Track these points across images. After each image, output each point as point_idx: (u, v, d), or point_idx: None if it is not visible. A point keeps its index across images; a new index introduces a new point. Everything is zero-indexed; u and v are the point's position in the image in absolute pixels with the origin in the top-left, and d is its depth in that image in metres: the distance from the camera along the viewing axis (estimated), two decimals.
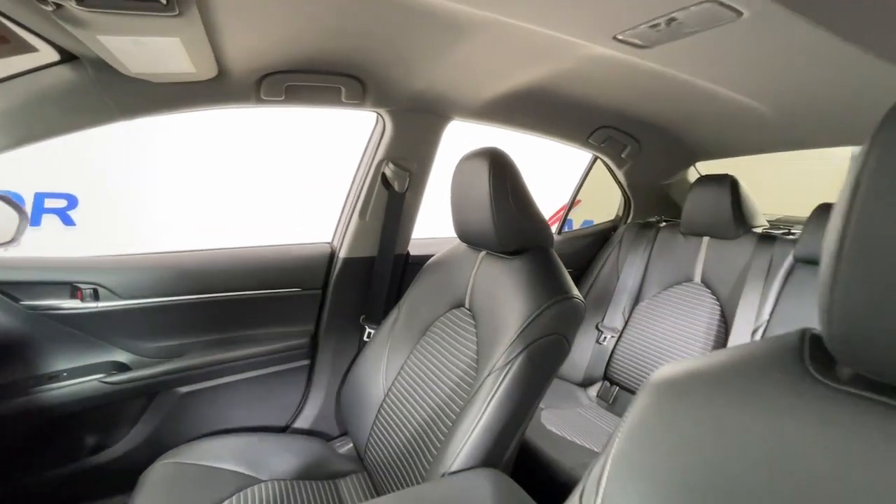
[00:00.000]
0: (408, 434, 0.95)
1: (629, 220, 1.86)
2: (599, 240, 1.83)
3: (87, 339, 1.05)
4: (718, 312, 1.41)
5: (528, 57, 0.94)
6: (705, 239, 1.51)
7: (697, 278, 1.50)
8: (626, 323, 1.63)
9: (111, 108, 0.86)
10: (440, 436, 0.88)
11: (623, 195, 1.84)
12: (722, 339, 1.36)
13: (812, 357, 0.36)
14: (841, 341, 0.31)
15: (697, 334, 1.42)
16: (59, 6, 0.52)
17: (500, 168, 0.93)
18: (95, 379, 1.04)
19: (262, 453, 1.06)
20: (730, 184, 1.41)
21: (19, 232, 1.11)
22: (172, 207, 2.84)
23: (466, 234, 1.05)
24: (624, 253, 1.72)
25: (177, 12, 0.55)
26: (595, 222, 1.99)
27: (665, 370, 0.47)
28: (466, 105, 1.18)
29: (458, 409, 0.87)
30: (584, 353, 1.65)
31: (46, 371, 1.02)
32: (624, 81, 1.09)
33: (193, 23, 0.60)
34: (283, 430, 1.28)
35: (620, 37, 0.73)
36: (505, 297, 0.91)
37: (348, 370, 1.27)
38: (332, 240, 1.33)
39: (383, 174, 1.22)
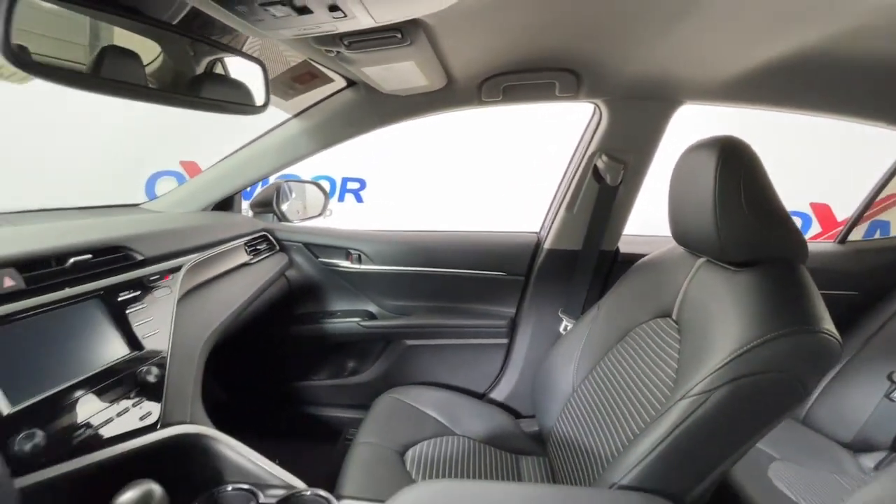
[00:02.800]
0: (590, 435, 0.93)
1: None
2: None
3: (351, 290, 1.42)
4: None
5: (794, 18, 0.74)
6: None
7: None
8: None
9: (374, 119, 1.12)
10: (621, 446, 0.84)
11: None
12: None
13: None
14: None
15: None
16: (338, 53, 0.71)
17: (732, 161, 0.77)
18: (354, 322, 1.40)
19: (460, 411, 1.22)
20: None
21: (325, 208, 1.57)
22: (425, 192, 3.41)
23: (683, 236, 0.92)
24: None
25: (409, 42, 0.68)
26: None
27: None
28: (703, 85, 1.01)
29: (644, 424, 0.81)
30: (860, 405, 1.22)
31: (329, 309, 1.43)
32: None
33: (423, 48, 0.73)
34: (480, 396, 1.43)
35: None
36: (721, 314, 0.77)
37: (542, 357, 1.31)
38: (540, 230, 1.37)
39: (595, 167, 1.17)
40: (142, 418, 0.68)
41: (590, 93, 1.06)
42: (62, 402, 0.60)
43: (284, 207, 1.48)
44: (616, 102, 1.09)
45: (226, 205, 1.35)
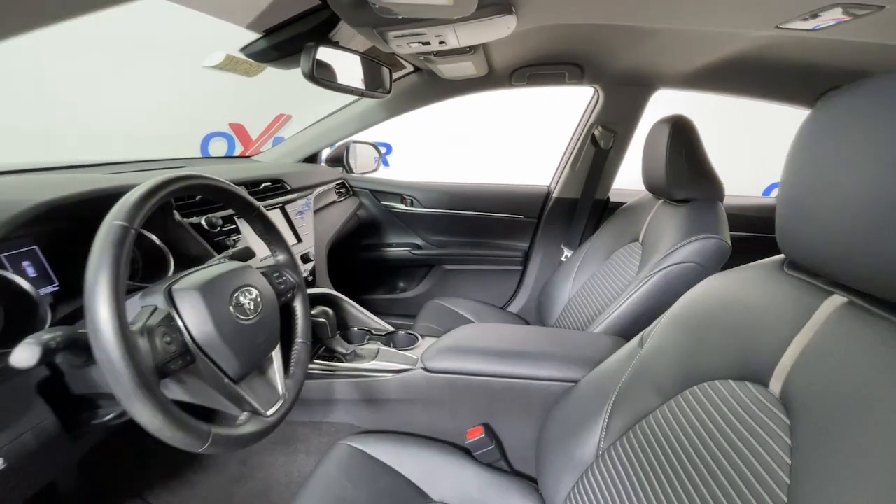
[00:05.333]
0: (577, 322, 1.39)
1: None
2: None
3: (403, 227, 1.87)
4: None
5: (729, 34, 1.13)
6: None
7: None
8: None
9: (430, 96, 1.53)
10: (598, 313, 1.29)
11: None
12: None
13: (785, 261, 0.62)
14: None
15: None
16: (426, 57, 1.12)
17: (679, 131, 1.18)
18: (406, 250, 1.86)
19: (486, 315, 1.68)
20: None
21: (378, 165, 1.99)
22: (444, 158, 3.82)
23: (649, 184, 1.34)
24: None
25: (473, 52, 1.09)
26: None
27: (715, 276, 0.76)
28: (671, 76, 1.41)
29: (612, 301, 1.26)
30: None
31: (387, 241, 1.89)
32: (847, 46, 1.11)
33: (479, 53, 1.13)
34: (500, 308, 1.89)
35: (783, 26, 0.89)
36: (665, 232, 1.20)
37: (548, 280, 1.76)
38: (550, 183, 1.79)
39: (593, 135, 1.58)
40: (307, 279, 1.14)
41: (590, 80, 1.46)
42: None
43: (352, 162, 1.91)
44: (609, 87, 1.49)
45: (311, 159, 1.79)
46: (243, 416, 0.62)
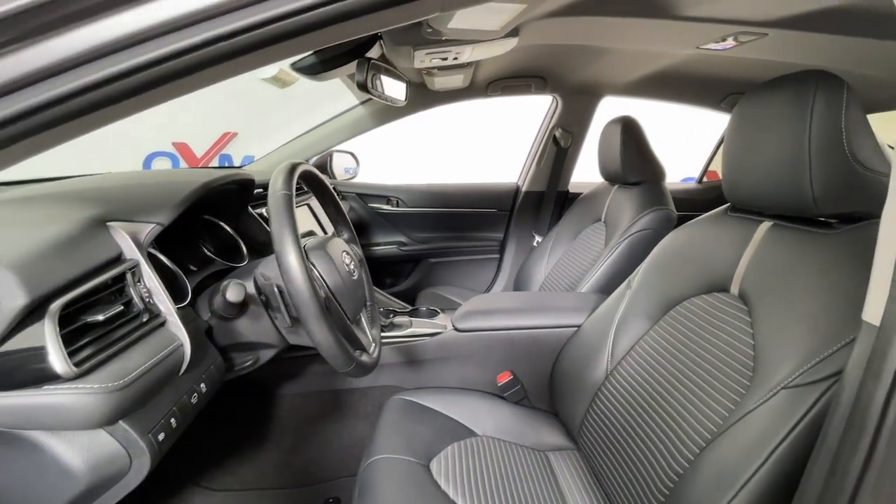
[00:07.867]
0: (564, 285, 1.63)
1: None
2: None
3: (390, 226, 2.03)
4: None
5: (657, 52, 1.46)
6: None
7: None
8: None
9: (418, 105, 1.73)
10: (580, 276, 1.54)
11: None
12: None
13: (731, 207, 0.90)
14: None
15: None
16: (429, 70, 1.33)
17: (629, 128, 1.49)
18: (394, 247, 2.02)
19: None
20: None
21: (357, 171, 2.14)
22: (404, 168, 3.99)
23: (606, 173, 1.64)
24: None
25: (468, 67, 1.31)
26: None
27: (677, 228, 1.04)
28: (615, 86, 1.74)
29: (584, 271, 1.52)
30: None
31: (375, 241, 2.03)
32: (740, 60, 1.49)
33: (470, 68, 1.36)
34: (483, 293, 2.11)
35: (702, 47, 1.22)
36: (623, 209, 1.50)
37: (523, 264, 2.00)
38: (518, 179, 2.06)
39: (554, 136, 1.87)
40: None
41: (552, 90, 1.75)
42: None
43: (334, 169, 2.04)
44: (566, 95, 1.79)
45: None
46: (357, 352, 0.77)
